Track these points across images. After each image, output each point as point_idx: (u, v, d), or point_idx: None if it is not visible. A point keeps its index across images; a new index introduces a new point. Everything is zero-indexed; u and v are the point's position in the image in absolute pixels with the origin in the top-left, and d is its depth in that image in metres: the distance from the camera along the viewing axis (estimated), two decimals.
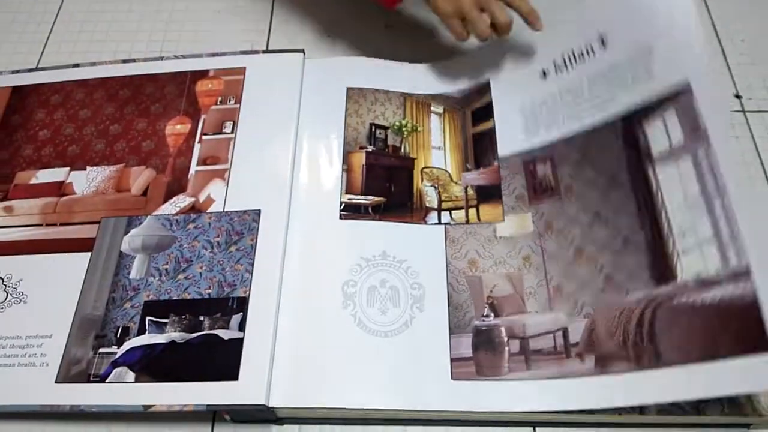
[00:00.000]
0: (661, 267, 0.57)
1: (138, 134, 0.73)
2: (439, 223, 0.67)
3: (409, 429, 0.58)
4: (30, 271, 0.64)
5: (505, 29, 0.66)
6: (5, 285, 0.63)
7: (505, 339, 0.59)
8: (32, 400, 0.57)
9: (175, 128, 0.73)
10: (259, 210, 0.65)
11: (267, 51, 0.80)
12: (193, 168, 0.70)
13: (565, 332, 0.59)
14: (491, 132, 0.71)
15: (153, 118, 0.74)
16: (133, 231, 0.65)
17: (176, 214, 0.66)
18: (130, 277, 0.63)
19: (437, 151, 0.73)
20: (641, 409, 0.56)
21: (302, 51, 0.75)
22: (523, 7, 0.66)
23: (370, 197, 0.68)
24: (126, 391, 0.56)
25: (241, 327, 0.58)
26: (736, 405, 0.56)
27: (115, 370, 0.57)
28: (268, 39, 0.82)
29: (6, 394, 0.57)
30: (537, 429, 0.58)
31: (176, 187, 0.69)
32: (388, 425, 0.58)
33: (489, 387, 0.57)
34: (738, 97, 0.76)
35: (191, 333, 0.59)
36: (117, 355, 0.58)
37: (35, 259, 0.65)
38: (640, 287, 0.57)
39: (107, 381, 0.57)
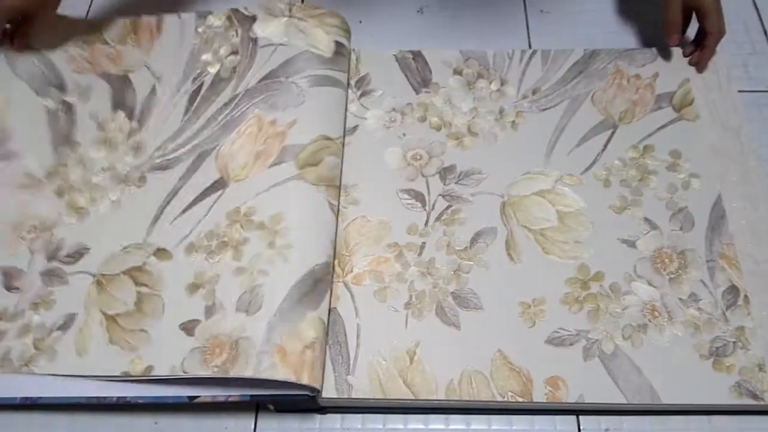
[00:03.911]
0: None
1: None
2: None
3: (451, 418, 0.58)
4: None
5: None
6: None
7: None
8: (79, 392, 0.57)
9: None
10: None
11: None
12: None
13: None
14: None
15: None
16: None
17: None
18: None
19: None
20: None
21: None
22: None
23: None
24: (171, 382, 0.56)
25: None
26: None
27: None
28: None
29: (54, 387, 0.58)
30: (580, 417, 0.57)
31: None
32: (429, 414, 0.58)
33: None
34: None
35: None
36: None
37: None
38: None
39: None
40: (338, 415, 0.58)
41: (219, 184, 0.64)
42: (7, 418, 0.59)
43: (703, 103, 0.70)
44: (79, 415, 0.59)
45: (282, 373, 0.52)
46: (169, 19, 0.75)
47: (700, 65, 0.72)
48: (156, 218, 0.63)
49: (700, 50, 0.72)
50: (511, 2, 0.82)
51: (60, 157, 0.68)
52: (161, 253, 0.61)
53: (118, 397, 0.56)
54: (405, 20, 0.81)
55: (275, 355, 0.53)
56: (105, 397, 0.56)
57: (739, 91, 0.71)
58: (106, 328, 0.58)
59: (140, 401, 0.56)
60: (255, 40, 0.70)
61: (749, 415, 0.57)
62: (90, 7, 0.83)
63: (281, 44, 0.70)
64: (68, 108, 0.71)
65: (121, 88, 0.72)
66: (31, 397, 0.57)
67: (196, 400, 0.55)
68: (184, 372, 0.53)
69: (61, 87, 0.72)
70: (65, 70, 0.73)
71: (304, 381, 0.53)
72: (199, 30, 0.74)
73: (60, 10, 0.74)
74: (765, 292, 0.60)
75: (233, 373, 0.52)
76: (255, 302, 0.56)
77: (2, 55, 0.73)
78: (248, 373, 0.52)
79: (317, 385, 0.54)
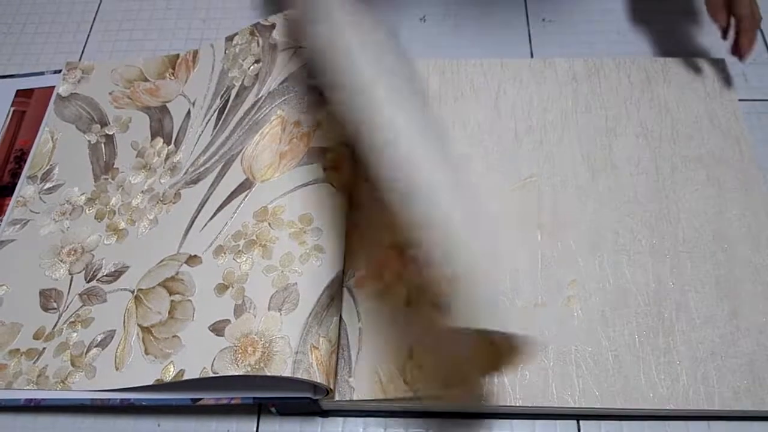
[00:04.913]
0: None
1: None
2: None
3: (447, 422, 0.58)
4: None
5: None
6: None
7: None
8: (82, 395, 0.58)
9: None
10: None
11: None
12: None
13: None
14: None
15: None
16: None
17: None
18: None
19: None
20: None
21: None
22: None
23: None
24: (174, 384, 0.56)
25: None
26: None
27: None
28: None
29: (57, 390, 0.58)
30: (581, 422, 0.58)
31: None
32: (427, 417, 0.58)
33: None
34: None
35: None
36: None
37: None
38: None
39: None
40: (340, 419, 0.59)
41: (245, 185, 0.63)
42: (10, 420, 0.60)
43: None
44: (82, 417, 0.60)
45: (319, 376, 0.52)
46: (203, 50, 0.76)
47: (740, 53, 0.67)
48: (188, 229, 0.63)
49: (735, 37, 0.68)
50: (513, 11, 0.83)
51: (100, 184, 0.70)
52: (192, 259, 0.61)
53: (122, 399, 0.57)
54: (407, 28, 0.82)
55: (312, 356, 0.53)
56: (108, 400, 0.57)
57: (739, 100, 0.72)
58: (142, 340, 0.58)
59: (143, 403, 0.56)
60: (275, 46, 0.70)
61: (749, 420, 0.57)
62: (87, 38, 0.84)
63: (300, 47, 0.69)
64: (109, 139, 0.73)
65: (159, 117, 0.73)
66: (34, 399, 0.58)
67: (199, 403, 0.56)
68: (214, 373, 0.53)
69: (103, 122, 0.74)
70: (108, 108, 0.75)
71: (331, 385, 0.54)
72: (227, 51, 0.75)
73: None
74: (765, 299, 0.60)
75: (269, 372, 0.51)
76: (290, 301, 0.55)
77: (52, 105, 0.76)
78: (286, 373, 0.51)
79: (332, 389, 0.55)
